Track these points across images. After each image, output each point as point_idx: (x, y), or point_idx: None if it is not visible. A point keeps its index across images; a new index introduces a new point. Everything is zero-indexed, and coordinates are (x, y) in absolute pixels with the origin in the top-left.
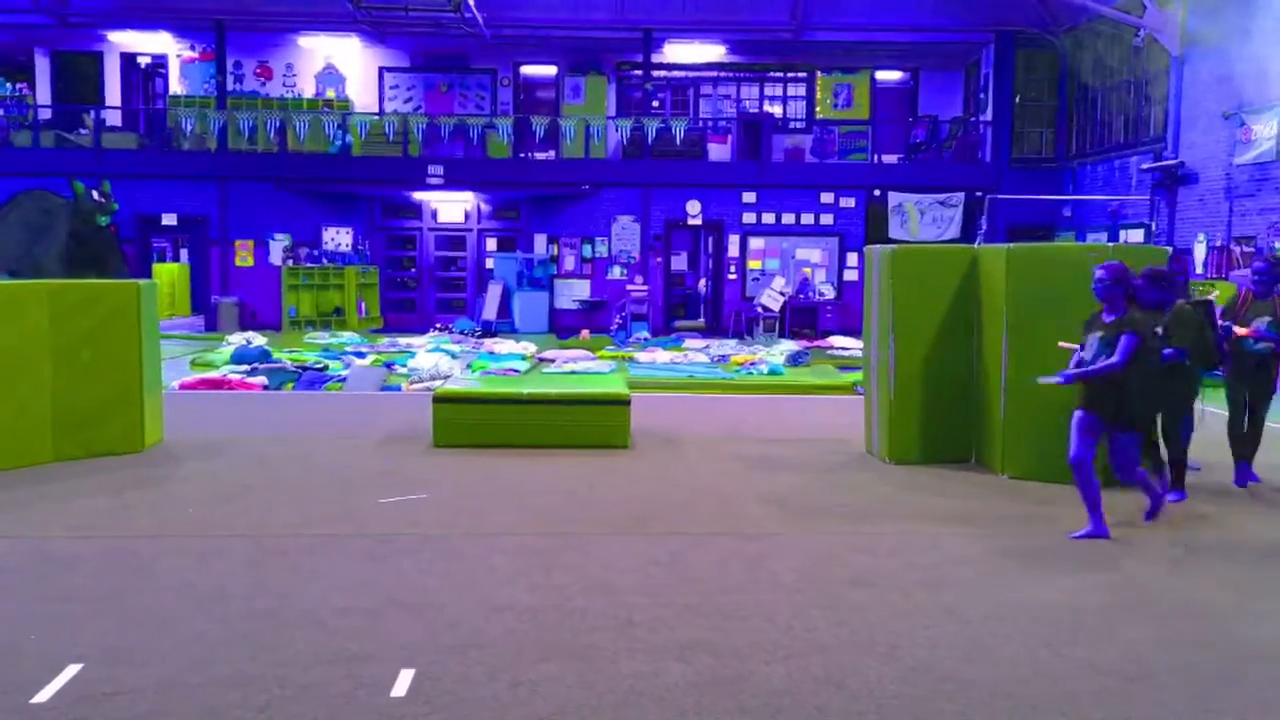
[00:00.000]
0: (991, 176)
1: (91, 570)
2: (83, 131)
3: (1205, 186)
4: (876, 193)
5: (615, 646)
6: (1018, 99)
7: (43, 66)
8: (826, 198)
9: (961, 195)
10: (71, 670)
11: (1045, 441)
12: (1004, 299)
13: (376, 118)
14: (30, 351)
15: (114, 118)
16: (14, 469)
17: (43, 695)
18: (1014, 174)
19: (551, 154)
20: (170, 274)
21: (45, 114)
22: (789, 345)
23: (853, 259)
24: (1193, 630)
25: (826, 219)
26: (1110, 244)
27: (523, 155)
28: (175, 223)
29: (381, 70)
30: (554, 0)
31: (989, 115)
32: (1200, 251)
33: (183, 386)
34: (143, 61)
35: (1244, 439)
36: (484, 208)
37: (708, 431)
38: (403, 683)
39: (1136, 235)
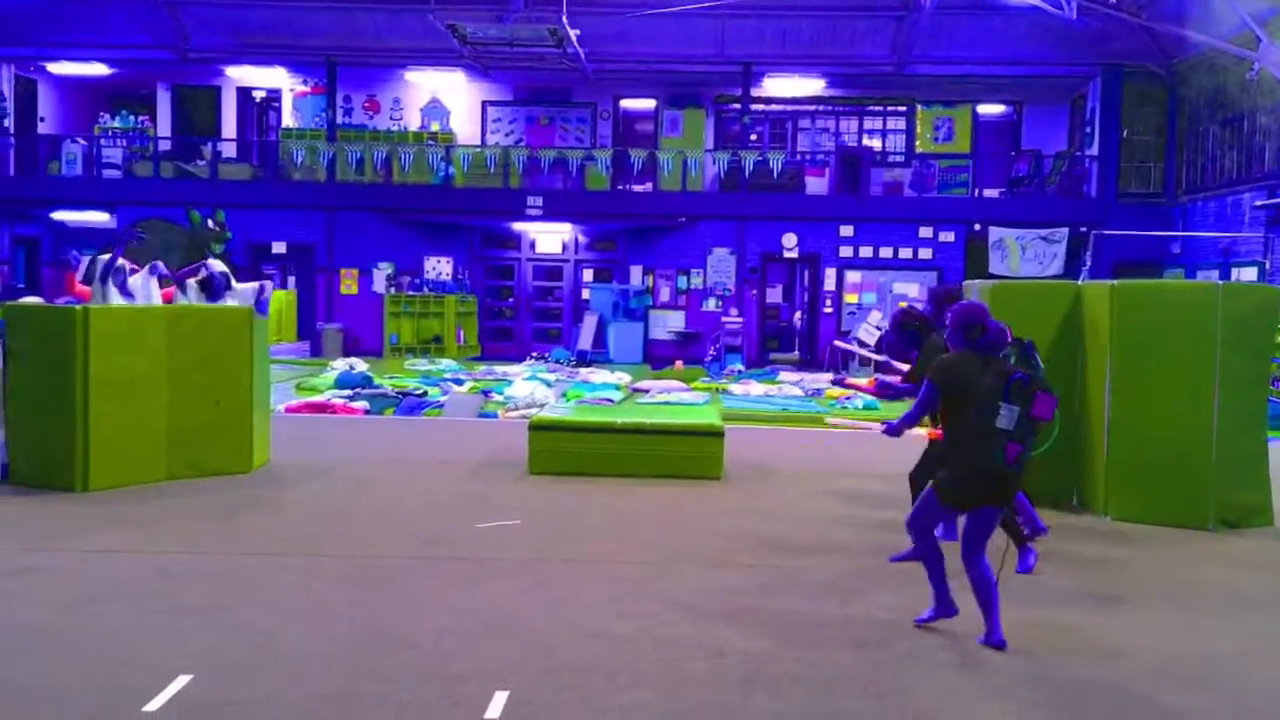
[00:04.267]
0: (1097, 212)
1: (201, 586)
2: (200, 162)
3: None
4: (976, 227)
5: (706, 677)
6: (1125, 133)
7: (164, 100)
8: (925, 232)
9: (1065, 231)
10: (181, 681)
11: (1152, 482)
12: (1108, 336)
13: (479, 150)
14: (149, 374)
15: (230, 149)
16: (130, 486)
17: (154, 704)
18: (1120, 209)
19: (649, 186)
20: (278, 300)
21: (165, 145)
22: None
23: None
24: None
25: (925, 253)
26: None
27: (621, 187)
28: (284, 251)
29: (484, 104)
30: (654, 35)
31: (1095, 150)
32: None
33: (288, 410)
34: (258, 95)
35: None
36: (581, 239)
37: (801, 465)
38: (497, 705)
39: (1250, 273)
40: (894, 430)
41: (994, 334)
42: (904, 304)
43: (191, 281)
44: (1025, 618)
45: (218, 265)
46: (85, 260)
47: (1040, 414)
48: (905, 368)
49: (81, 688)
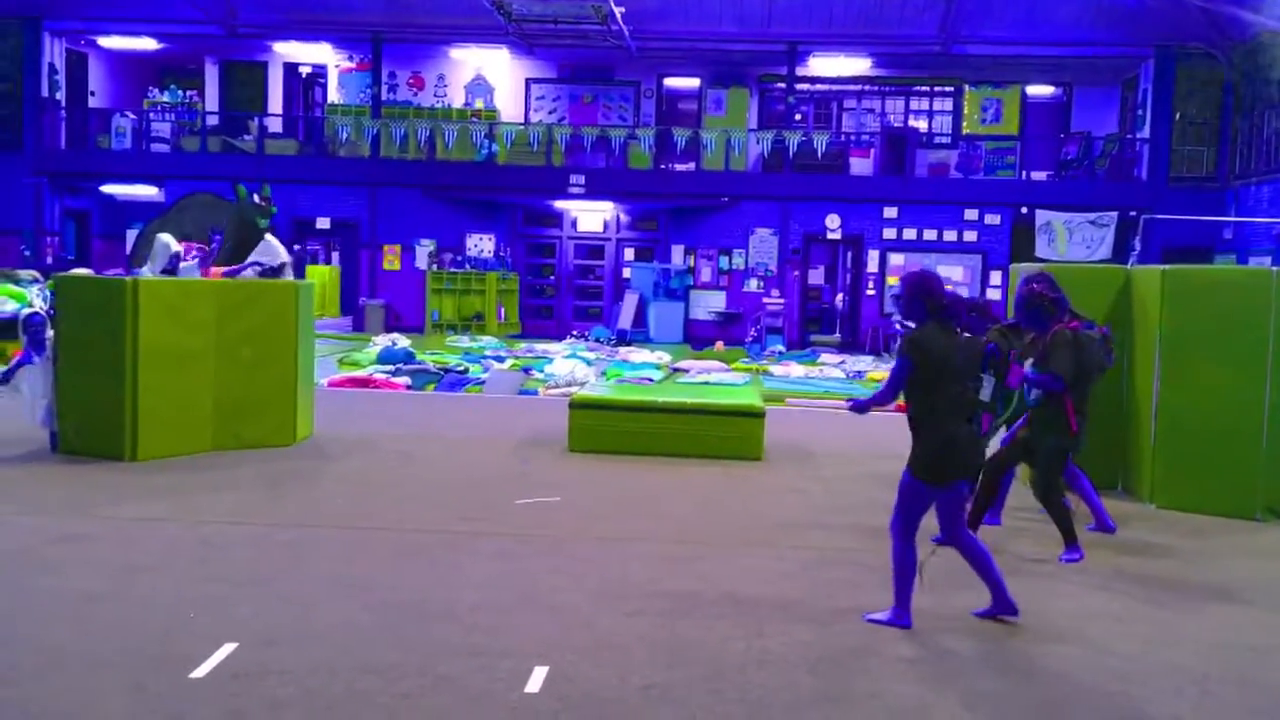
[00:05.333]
0: (1147, 196)
1: (246, 556)
2: (247, 138)
3: None
4: (1023, 210)
5: (746, 657)
6: (1178, 116)
7: (212, 75)
8: (971, 214)
9: (1114, 215)
10: (227, 648)
11: (1200, 471)
12: (1158, 321)
13: (522, 127)
14: (197, 347)
15: (275, 125)
16: (176, 456)
17: (200, 670)
18: (1171, 193)
19: (692, 165)
20: (322, 276)
21: (213, 120)
22: None
23: (996, 277)
24: None
25: (970, 236)
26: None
27: (663, 166)
28: (328, 226)
29: (528, 81)
30: (699, 13)
31: (1146, 132)
32: None
33: (331, 384)
34: (304, 71)
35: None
36: (623, 218)
37: (842, 447)
38: (536, 679)
39: None
40: (861, 407)
41: (952, 303)
42: (1036, 285)
43: (248, 274)
44: (1070, 606)
45: (278, 250)
46: (160, 244)
47: (1012, 384)
48: None
49: (129, 654)
